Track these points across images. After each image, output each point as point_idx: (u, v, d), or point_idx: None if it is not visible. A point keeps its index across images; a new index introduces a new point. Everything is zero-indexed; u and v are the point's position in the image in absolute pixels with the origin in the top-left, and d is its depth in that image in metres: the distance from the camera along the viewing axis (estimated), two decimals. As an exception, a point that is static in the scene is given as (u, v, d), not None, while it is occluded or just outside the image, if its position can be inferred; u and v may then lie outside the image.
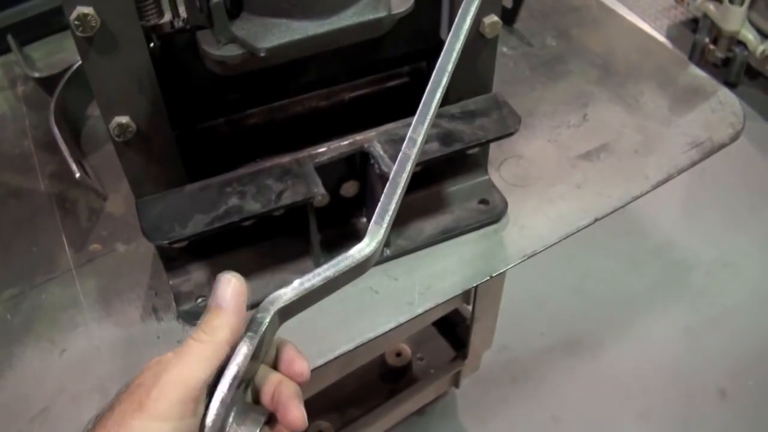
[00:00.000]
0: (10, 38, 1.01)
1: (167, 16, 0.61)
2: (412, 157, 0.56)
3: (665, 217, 1.93)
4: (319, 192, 0.69)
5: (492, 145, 0.83)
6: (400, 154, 0.56)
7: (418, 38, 0.75)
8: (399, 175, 0.55)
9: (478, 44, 0.74)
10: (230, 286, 0.50)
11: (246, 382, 0.49)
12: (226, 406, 0.47)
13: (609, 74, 1.02)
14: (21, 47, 1.02)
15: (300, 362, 0.53)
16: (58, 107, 0.88)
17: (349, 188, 0.78)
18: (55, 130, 0.85)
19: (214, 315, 0.50)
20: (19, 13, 1.03)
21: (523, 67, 1.04)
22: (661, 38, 1.11)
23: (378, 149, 0.72)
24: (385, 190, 0.55)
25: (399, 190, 0.55)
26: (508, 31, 1.09)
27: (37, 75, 0.97)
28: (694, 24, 2.39)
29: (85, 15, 0.54)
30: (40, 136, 0.95)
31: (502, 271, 0.78)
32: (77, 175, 0.80)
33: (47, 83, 0.96)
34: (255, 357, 0.49)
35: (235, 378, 0.47)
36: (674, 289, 1.80)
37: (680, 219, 1.96)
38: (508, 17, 1.09)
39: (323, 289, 0.52)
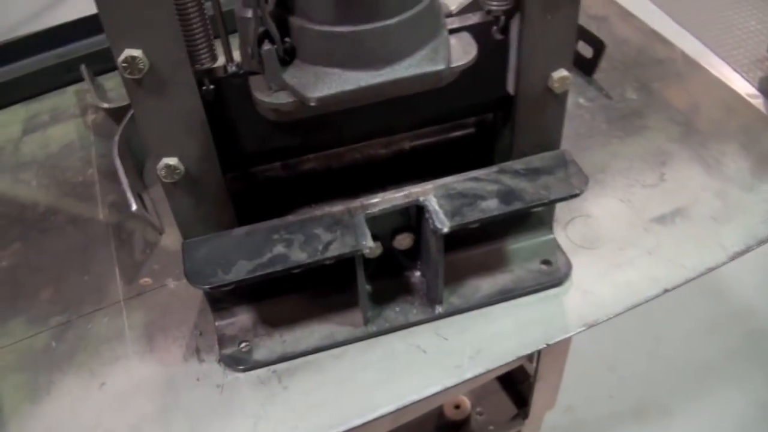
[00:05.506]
0: (83, 68, 1.03)
1: (221, 60, 0.59)
2: None
3: (748, 281, 1.82)
4: (367, 245, 0.66)
5: (559, 203, 0.79)
6: None
7: (483, 90, 0.72)
8: None
9: (546, 99, 0.71)
10: None
11: None
12: None
13: (690, 132, 0.96)
14: (94, 77, 1.04)
15: None
16: (123, 138, 0.88)
17: (403, 240, 0.75)
18: (117, 162, 0.85)
19: None
20: (95, 44, 1.05)
21: (600, 119, 1.00)
22: (753, 90, 1.05)
23: (433, 204, 0.69)
24: None
25: None
26: (587, 81, 1.05)
27: (106, 105, 0.98)
28: (791, 76, 2.28)
29: (134, 58, 0.53)
30: (105, 166, 0.96)
31: (559, 339, 0.74)
32: (133, 208, 0.80)
33: (117, 114, 0.97)
34: None
35: None
36: (753, 359, 1.69)
37: (764, 284, 1.85)
38: (588, 68, 1.05)
39: None
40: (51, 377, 0.75)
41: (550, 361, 1.18)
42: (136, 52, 0.53)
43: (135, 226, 0.89)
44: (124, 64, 0.53)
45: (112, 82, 1.09)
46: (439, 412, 1.37)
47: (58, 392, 0.74)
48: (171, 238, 0.87)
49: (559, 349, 1.16)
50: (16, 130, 1.06)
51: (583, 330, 0.75)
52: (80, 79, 1.07)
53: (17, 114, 1.09)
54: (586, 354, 1.38)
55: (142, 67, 0.54)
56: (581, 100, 1.02)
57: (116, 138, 0.87)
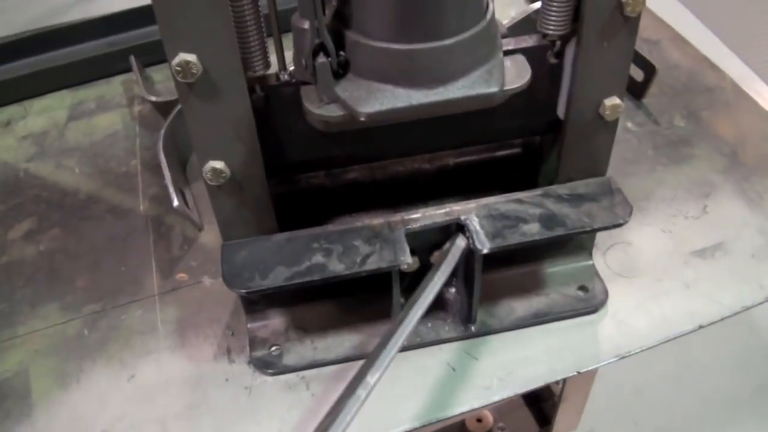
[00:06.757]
0: (132, 59, 1.04)
1: (274, 68, 0.59)
2: (363, 399, 0.56)
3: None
4: (405, 261, 0.66)
5: (600, 229, 0.78)
6: (353, 394, 0.55)
7: (533, 112, 0.71)
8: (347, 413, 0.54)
9: (596, 125, 0.70)
10: None
11: None
12: None
13: (736, 165, 0.95)
14: (143, 68, 1.04)
15: None
16: (168, 133, 0.89)
17: (441, 256, 0.75)
18: (161, 156, 0.85)
19: None
20: (145, 35, 1.05)
21: (647, 145, 0.98)
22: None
23: (475, 223, 0.69)
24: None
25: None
26: (636, 105, 1.04)
27: (153, 99, 0.98)
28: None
29: (188, 62, 0.53)
30: (149, 158, 0.97)
31: (590, 368, 0.73)
32: (175, 204, 0.80)
33: (163, 107, 0.97)
34: None
35: None
36: (783, 397, 1.66)
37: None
38: (638, 91, 1.04)
39: None
40: (81, 365, 0.76)
41: (576, 383, 1.17)
42: (191, 57, 0.53)
43: (174, 221, 0.89)
44: (177, 68, 0.53)
45: (160, 75, 1.09)
46: (460, 424, 1.36)
47: (88, 380, 0.75)
48: (210, 236, 0.87)
49: (587, 373, 1.15)
50: (62, 115, 1.07)
51: (616, 360, 0.74)
52: (128, 70, 1.08)
53: (63, 100, 1.10)
54: (613, 376, 1.36)
55: (195, 72, 0.54)
56: (629, 125, 1.01)
57: (162, 132, 0.88)
